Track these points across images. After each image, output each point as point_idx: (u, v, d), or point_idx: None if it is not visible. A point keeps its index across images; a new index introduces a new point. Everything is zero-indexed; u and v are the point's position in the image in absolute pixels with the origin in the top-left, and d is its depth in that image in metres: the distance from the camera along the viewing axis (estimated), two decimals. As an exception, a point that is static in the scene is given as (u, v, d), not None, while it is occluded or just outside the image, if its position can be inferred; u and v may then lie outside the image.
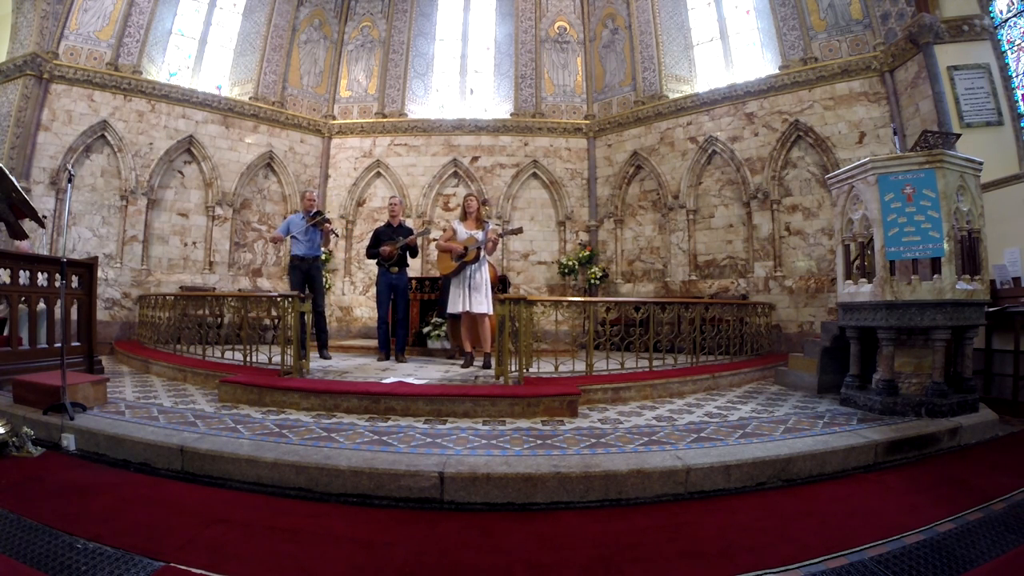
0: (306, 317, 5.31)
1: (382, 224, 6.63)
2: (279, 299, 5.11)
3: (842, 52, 8.14)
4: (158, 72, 9.45)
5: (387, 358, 6.28)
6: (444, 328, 6.88)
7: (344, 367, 5.69)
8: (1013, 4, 6.42)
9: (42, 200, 8.14)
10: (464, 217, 5.82)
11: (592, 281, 9.89)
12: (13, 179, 3.33)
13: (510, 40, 11.07)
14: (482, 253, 5.50)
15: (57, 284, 4.89)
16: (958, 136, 4.81)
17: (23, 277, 4.82)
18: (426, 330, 7.05)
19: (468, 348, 5.75)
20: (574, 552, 2.17)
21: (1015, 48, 6.42)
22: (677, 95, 9.77)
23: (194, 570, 1.91)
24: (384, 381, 4.65)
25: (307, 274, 6.37)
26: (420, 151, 10.77)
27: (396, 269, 6.16)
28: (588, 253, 10.10)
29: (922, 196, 4.00)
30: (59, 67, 8.42)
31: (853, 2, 8.02)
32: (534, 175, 10.73)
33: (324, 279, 8.09)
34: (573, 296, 9.56)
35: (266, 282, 10.10)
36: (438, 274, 6.32)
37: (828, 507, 2.65)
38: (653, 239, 9.96)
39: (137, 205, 8.89)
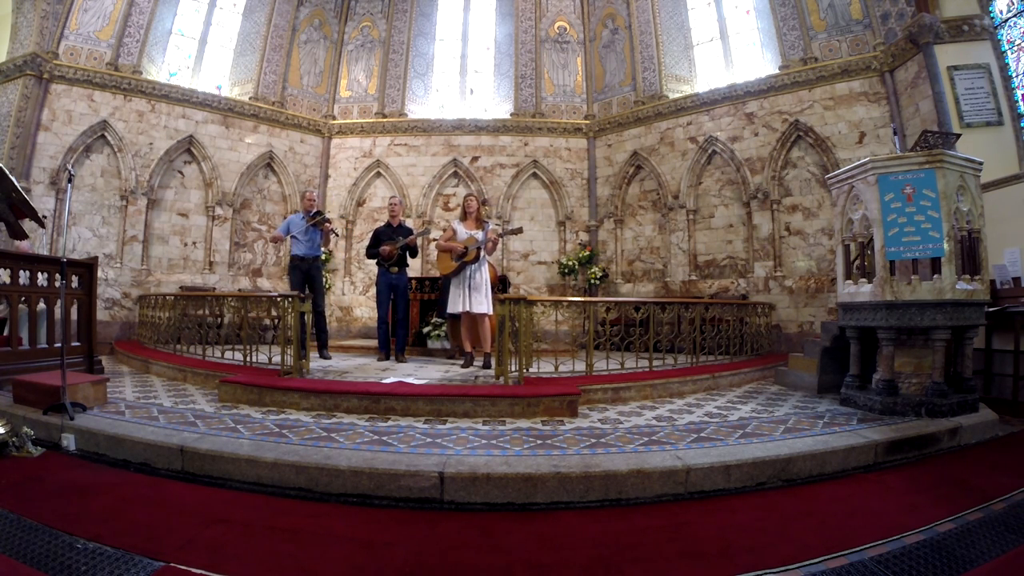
0: (306, 317, 5.31)
1: (382, 224, 6.63)
2: (279, 299, 5.11)
3: (842, 52, 8.14)
4: (158, 72, 9.45)
5: (387, 358, 6.28)
6: (444, 328, 6.88)
7: (344, 367, 5.69)
8: (1013, 4, 6.42)
9: (42, 200, 8.14)
10: (464, 217, 5.82)
11: (592, 281, 9.89)
12: (13, 179, 3.33)
13: (510, 40, 11.07)
14: (482, 253, 5.50)
15: (57, 284, 4.89)
16: (958, 136, 4.81)
17: (23, 277, 4.82)
18: (426, 330, 7.05)
19: (468, 348, 5.75)
20: (574, 552, 2.17)
21: (1015, 48, 6.42)
22: (677, 95, 9.77)
23: (194, 570, 1.91)
24: (384, 381, 4.65)
25: (307, 274, 6.37)
26: (420, 151, 10.77)
27: (396, 269, 6.16)
28: (588, 253, 10.10)
29: (922, 196, 4.00)
30: (59, 67, 8.42)
31: (853, 2, 8.02)
32: (534, 175, 10.73)
33: (324, 279, 8.09)
34: (573, 296, 9.55)
35: (266, 282, 10.10)
36: (438, 274, 6.32)
37: (828, 507, 2.65)
38: (653, 239, 9.96)
39: (137, 205, 8.89)
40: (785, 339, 7.98)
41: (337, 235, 8.86)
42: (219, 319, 6.90)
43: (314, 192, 7.06)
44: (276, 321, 6.81)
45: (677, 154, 9.60)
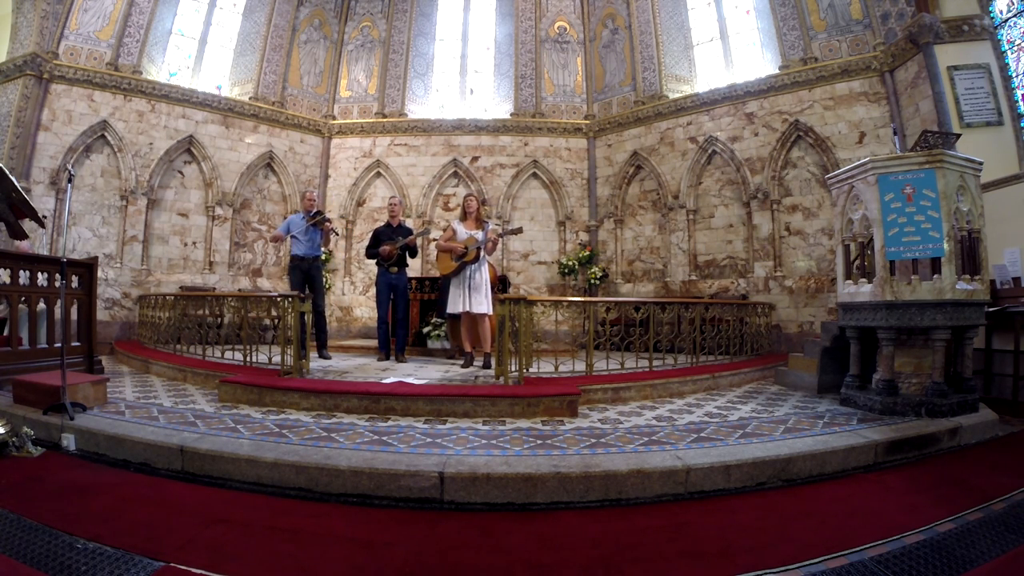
0: (306, 317, 5.30)
1: (382, 224, 6.63)
2: (279, 299, 5.11)
3: (842, 52, 8.14)
4: (158, 72, 9.45)
5: (387, 358, 6.28)
6: (444, 328, 6.88)
7: (344, 367, 5.69)
8: (1013, 4, 6.42)
9: (42, 200, 8.15)
10: (464, 217, 5.83)
11: (592, 281, 9.89)
12: (13, 179, 3.32)
13: (510, 40, 11.07)
14: (482, 253, 5.50)
15: (57, 284, 4.89)
16: (958, 136, 4.81)
17: (23, 277, 4.82)
18: (426, 330, 7.05)
19: (468, 348, 5.75)
20: (574, 552, 2.17)
21: (1015, 48, 6.42)
22: (677, 95, 9.77)
23: (194, 570, 1.91)
24: (384, 381, 4.65)
25: (307, 274, 6.37)
26: (420, 151, 10.77)
27: (396, 269, 6.16)
28: (588, 253, 10.10)
29: (922, 196, 4.00)
30: (59, 67, 8.42)
31: (853, 2, 8.02)
32: (534, 175, 10.73)
33: (324, 279, 8.09)
34: (573, 296, 9.56)
35: (266, 282, 10.10)
36: (438, 274, 6.32)
37: (828, 507, 2.65)
38: (653, 239, 9.96)
39: (137, 205, 8.89)
40: (785, 339, 7.98)
41: (337, 235, 8.86)
42: (219, 319, 6.89)
43: (314, 192, 7.06)
44: (276, 321, 6.80)
45: (677, 154, 9.60)
